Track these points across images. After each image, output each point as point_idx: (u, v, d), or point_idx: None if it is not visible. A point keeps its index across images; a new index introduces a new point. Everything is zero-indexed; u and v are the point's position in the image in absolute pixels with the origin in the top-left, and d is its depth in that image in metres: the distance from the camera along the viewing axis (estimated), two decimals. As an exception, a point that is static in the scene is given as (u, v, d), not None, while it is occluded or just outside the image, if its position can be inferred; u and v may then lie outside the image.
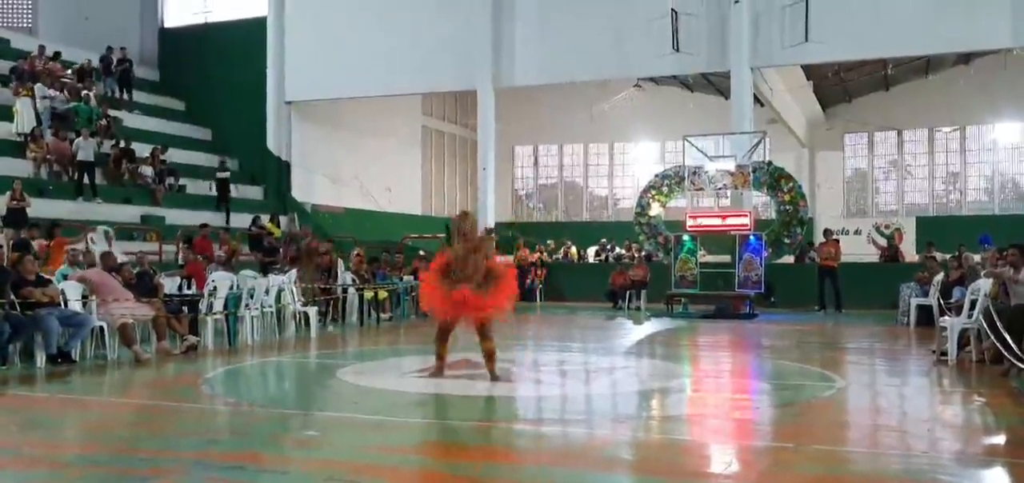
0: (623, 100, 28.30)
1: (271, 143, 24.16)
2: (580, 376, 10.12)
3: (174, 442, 6.27)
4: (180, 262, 15.32)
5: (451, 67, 22.20)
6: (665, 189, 19.94)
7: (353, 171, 25.22)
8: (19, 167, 17.77)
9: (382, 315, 16.05)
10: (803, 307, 18.16)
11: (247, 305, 12.34)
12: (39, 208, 16.04)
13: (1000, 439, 6.69)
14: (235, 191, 22.82)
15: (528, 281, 21.47)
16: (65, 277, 11.03)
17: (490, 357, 8.64)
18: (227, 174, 21.10)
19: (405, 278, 17.31)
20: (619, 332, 14.78)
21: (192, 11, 26.19)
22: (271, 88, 24.08)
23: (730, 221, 18.22)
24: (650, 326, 15.44)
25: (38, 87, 19.77)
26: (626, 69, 22.38)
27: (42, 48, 21.54)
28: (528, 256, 22.03)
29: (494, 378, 8.52)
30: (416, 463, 5.79)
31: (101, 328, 10.24)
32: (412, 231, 24.46)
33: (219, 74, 24.47)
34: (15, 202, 15.29)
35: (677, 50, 20.13)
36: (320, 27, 23.39)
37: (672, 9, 19.96)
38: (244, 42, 24.29)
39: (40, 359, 9.53)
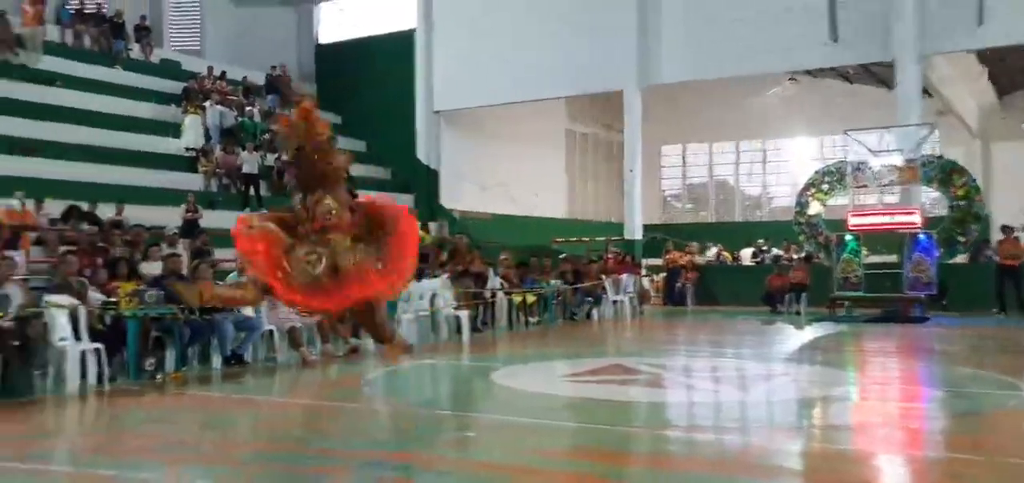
0: (777, 95, 27.34)
1: (420, 152, 24.77)
2: (735, 382, 9.80)
3: (341, 441, 6.48)
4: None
5: (596, 69, 22.05)
6: (826, 187, 19.05)
7: (499, 177, 25.50)
8: (191, 181, 18.92)
9: (530, 319, 16.13)
10: (980, 310, 16.92)
11: (404, 309, 12.69)
12: (210, 219, 17.01)
13: None
14: (387, 199, 23.43)
15: (678, 284, 21.07)
16: (236, 283, 11.65)
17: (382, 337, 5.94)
18: None
19: (553, 282, 17.33)
20: (777, 337, 14.26)
21: (346, 26, 27.21)
22: (420, 98, 24.68)
23: (897, 219, 17.20)
24: (811, 331, 14.80)
25: (207, 105, 21.04)
26: (780, 63, 21.50)
27: (210, 68, 22.92)
28: (678, 258, 21.61)
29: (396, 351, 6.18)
30: (571, 467, 5.75)
31: (271, 332, 10.78)
32: (558, 235, 24.46)
33: (372, 87, 25.29)
34: (189, 213, 16.28)
35: (835, 40, 19.21)
36: (467, 36, 23.78)
37: (829, -4, 19.06)
38: (394, 54, 25.01)
39: (216, 361, 10.10)
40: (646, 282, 20.92)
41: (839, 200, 19.66)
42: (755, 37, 20.19)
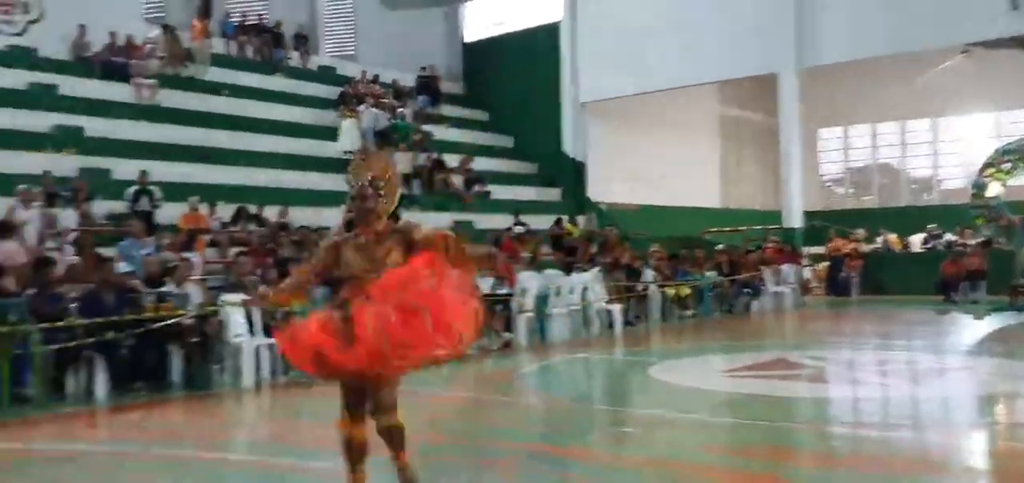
0: (948, 70, 25.59)
1: (567, 145, 24.69)
2: (906, 376, 9.23)
3: (501, 434, 6.51)
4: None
5: (750, 52, 21.27)
6: (1006, 166, 17.54)
7: (648, 167, 25.08)
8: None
9: (684, 312, 15.80)
10: None
11: (553, 304, 12.71)
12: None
13: None
14: (534, 194, 23.65)
15: (842, 273, 20.13)
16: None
17: (392, 440, 4.55)
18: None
19: (707, 274, 16.91)
20: (952, 328, 13.37)
21: (490, 23, 27.48)
22: (566, 91, 24.60)
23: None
24: (991, 321, 13.77)
25: (362, 108, 21.74)
26: (952, 35, 19.92)
27: (364, 73, 23.66)
28: (842, 246, 20.63)
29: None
30: (739, 464, 5.56)
31: (427, 326, 10.97)
32: (711, 225, 23.84)
33: (518, 82, 25.41)
34: (350, 214, 16.83)
35: (1016, 8, 17.70)
36: (613, 25, 23.47)
37: (1008, -40, 17.59)
38: (539, 49, 25.02)
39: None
40: (807, 272, 20.09)
41: (1022, 180, 18.17)
42: (924, 9, 18.90)
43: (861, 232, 21.46)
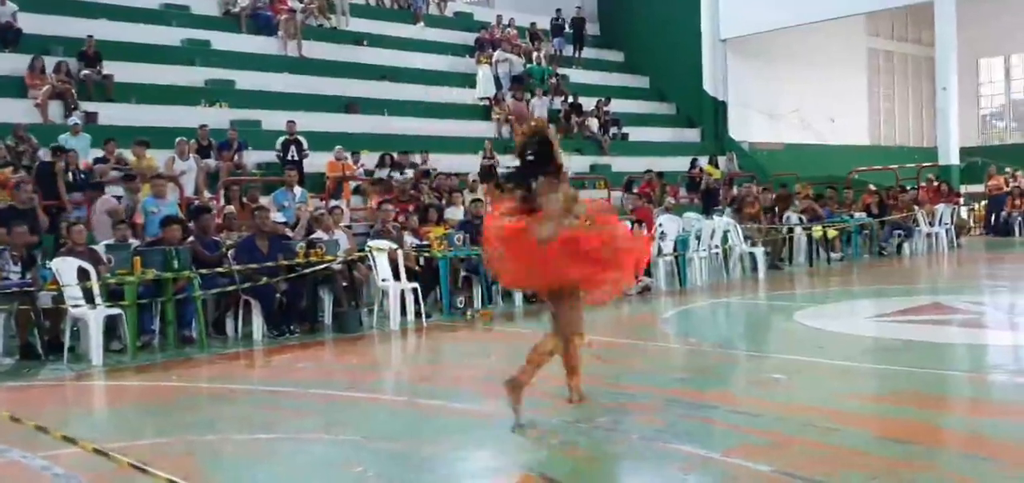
0: None
1: (706, 84, 24.04)
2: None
3: (644, 379, 6.49)
4: (628, 208, 15.87)
5: (902, -22, 20.09)
6: None
7: (792, 104, 24.17)
8: (487, 129, 19.76)
9: (832, 255, 15.20)
10: None
11: (693, 247, 12.49)
12: (505, 164, 17.69)
13: None
14: (672, 135, 23.23)
15: (1004, 214, 18.88)
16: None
17: (572, 372, 5.41)
18: None
19: (856, 215, 16.19)
20: None
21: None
22: (705, 28, 23.90)
23: None
24: None
25: (497, 54, 21.79)
26: None
27: (499, 17, 23.67)
28: (1002, 185, 19.31)
29: (576, 397, 5.43)
30: (898, 413, 5.33)
31: (564, 270, 10.98)
32: (860, 164, 22.77)
33: (654, 21, 24.85)
34: (486, 159, 17.06)
35: None
36: (752, -44, 22.60)
37: None
38: (678, -15, 24.40)
39: (518, 299, 10.50)
40: (964, 212, 18.96)
41: None
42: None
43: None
